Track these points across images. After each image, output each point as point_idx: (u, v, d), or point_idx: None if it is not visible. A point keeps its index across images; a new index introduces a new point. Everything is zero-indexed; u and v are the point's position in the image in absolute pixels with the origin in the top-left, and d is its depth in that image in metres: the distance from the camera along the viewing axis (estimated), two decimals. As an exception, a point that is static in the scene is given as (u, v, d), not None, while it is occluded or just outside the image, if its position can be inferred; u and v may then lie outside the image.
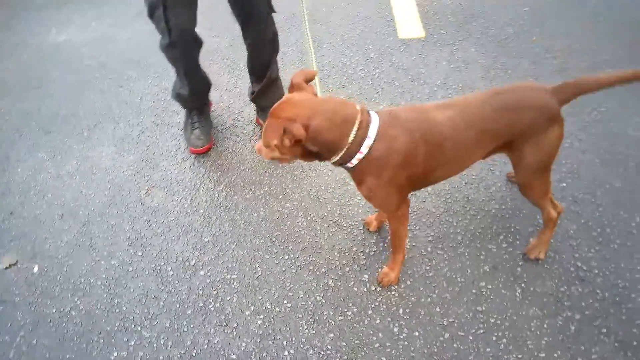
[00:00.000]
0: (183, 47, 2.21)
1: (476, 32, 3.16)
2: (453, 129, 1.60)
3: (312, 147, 1.51)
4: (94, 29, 3.54)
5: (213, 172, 2.43)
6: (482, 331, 1.80)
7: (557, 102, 1.64)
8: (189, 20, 2.15)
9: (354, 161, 1.55)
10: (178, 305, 1.93)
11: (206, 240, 2.15)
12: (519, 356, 1.73)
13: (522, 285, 1.92)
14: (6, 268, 2.10)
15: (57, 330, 1.89)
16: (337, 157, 1.54)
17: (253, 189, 2.33)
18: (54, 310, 1.95)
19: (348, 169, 1.61)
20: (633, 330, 1.76)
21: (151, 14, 2.15)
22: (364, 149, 1.52)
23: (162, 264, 2.07)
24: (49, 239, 2.20)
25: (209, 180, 2.39)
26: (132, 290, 1.99)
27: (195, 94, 2.47)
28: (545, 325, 1.80)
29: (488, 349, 1.76)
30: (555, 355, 1.73)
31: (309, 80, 1.59)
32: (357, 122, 1.49)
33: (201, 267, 2.05)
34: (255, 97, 2.51)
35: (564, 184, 2.24)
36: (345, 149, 1.51)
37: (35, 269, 2.09)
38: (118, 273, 2.05)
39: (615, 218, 2.09)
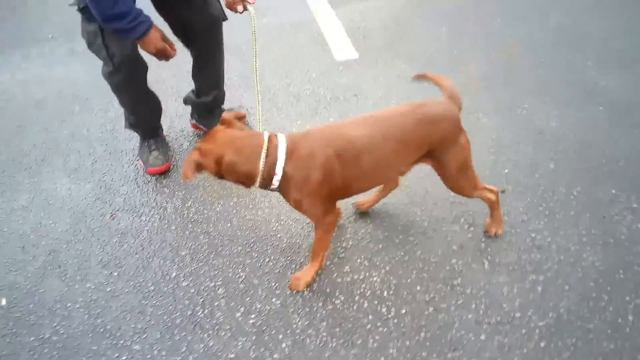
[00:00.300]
0: (127, 73, 2.18)
1: (403, 51, 3.46)
2: (370, 143, 1.74)
3: (229, 179, 1.69)
4: (24, 70, 3.45)
5: (178, 191, 2.43)
6: (461, 301, 1.94)
7: (458, 108, 1.88)
8: (130, 45, 2.11)
9: (275, 183, 1.70)
10: (166, 317, 1.90)
11: (183, 253, 2.14)
12: (498, 318, 1.88)
13: (488, 258, 2.09)
14: (-32, 306, 1.96)
15: (39, 357, 1.78)
16: (258, 183, 1.70)
17: (222, 202, 2.36)
18: (33, 339, 1.84)
19: (274, 190, 1.75)
20: (590, 284, 1.98)
21: (90, 44, 2.14)
22: (278, 170, 1.67)
23: (142, 280, 2.03)
24: (12, 271, 2.09)
25: (175, 198, 2.39)
26: (114, 309, 1.93)
27: (144, 119, 2.47)
28: (515, 290, 1.97)
29: (470, 316, 1.89)
30: (529, 313, 1.89)
31: (239, 118, 1.77)
32: (264, 150, 1.65)
33: (183, 279, 2.04)
34: (216, 101, 2.58)
35: (506, 170, 2.49)
36: (260, 175, 1.67)
37: (3, 302, 1.97)
38: (96, 295, 1.98)
39: (555, 194, 2.36)
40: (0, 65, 3.50)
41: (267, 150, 1.66)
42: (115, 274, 2.06)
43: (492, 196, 2.09)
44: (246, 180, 1.71)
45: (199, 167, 1.64)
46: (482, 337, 1.83)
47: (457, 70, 3.23)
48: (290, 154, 1.67)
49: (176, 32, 2.35)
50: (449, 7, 3.96)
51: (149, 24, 1.94)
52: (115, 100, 2.91)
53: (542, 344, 1.80)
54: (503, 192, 2.36)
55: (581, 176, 2.44)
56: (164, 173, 2.52)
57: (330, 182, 1.72)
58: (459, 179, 1.96)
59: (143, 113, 2.43)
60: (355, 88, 3.10)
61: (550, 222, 2.23)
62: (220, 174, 1.69)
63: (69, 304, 1.95)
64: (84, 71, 3.35)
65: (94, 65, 3.36)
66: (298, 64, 3.38)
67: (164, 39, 2.01)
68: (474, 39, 3.56)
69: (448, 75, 3.14)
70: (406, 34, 3.64)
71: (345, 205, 2.29)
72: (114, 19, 1.88)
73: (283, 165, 1.67)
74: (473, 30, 3.66)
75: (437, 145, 1.83)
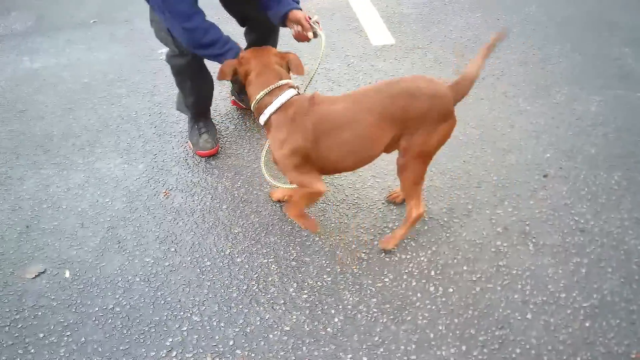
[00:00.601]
0: (191, 56, 2.28)
1: (440, 37, 3.48)
2: (347, 116, 1.79)
3: (246, 90, 1.93)
4: (68, 55, 3.54)
5: (227, 172, 2.51)
6: (507, 282, 2.00)
7: (453, 99, 1.80)
8: None
9: (262, 119, 1.88)
10: (223, 291, 1.99)
11: (236, 231, 2.23)
12: (544, 299, 1.94)
13: (533, 240, 2.14)
14: (35, 277, 2.07)
15: (104, 326, 1.89)
16: (252, 107, 1.91)
17: (270, 184, 2.44)
18: (97, 309, 1.95)
19: (261, 127, 1.95)
20: (633, 267, 2.03)
21: (157, 33, 2.29)
22: (267, 112, 1.85)
23: (198, 256, 2.13)
24: (74, 246, 2.19)
25: (225, 179, 2.48)
26: (173, 282, 2.03)
27: (201, 99, 2.57)
28: (560, 271, 2.02)
29: (516, 296, 1.95)
30: (574, 294, 1.95)
31: (296, 71, 1.95)
32: (266, 89, 1.84)
33: (237, 256, 2.12)
34: None
35: (548, 155, 2.52)
36: (253, 104, 1.88)
37: (67, 274, 2.07)
38: (155, 269, 2.08)
39: (597, 178, 2.39)
40: (47, 49, 3.60)
41: (271, 90, 1.84)
42: (172, 249, 2.16)
43: (414, 212, 2.00)
44: (249, 98, 1.92)
45: (235, 73, 1.90)
46: (529, 316, 1.89)
47: (494, 55, 3.25)
48: (284, 107, 1.83)
49: (239, 23, 2.51)
50: (485, -8, 3.96)
51: (237, 50, 2.05)
52: (161, 85, 3.03)
53: (587, 324, 1.85)
54: (545, 176, 2.42)
55: (621, 161, 2.47)
56: (212, 155, 2.61)
57: (305, 150, 1.82)
58: (411, 162, 1.88)
59: (200, 93, 2.53)
60: (393, 73, 3.14)
61: (592, 205, 2.27)
62: (243, 84, 1.94)
63: (129, 277, 2.06)
64: (127, 55, 3.44)
65: (135, 49, 3.50)
66: (335, 49, 3.42)
67: None
68: (509, 25, 3.56)
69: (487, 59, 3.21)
70: (441, 19, 3.66)
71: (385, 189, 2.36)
72: (206, 46, 2.04)
73: (272, 111, 1.84)
74: (508, 17, 3.67)
75: (413, 121, 1.78)
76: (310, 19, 2.11)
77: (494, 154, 2.54)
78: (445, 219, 2.24)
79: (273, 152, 1.92)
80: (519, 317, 1.89)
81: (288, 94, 1.85)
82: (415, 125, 1.79)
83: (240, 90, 2.76)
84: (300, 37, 2.17)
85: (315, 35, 2.13)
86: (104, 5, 4.05)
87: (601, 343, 1.79)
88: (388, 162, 2.39)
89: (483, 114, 2.79)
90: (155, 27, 2.26)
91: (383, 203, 2.32)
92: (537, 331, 1.84)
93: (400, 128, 1.81)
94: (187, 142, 2.68)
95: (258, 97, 1.86)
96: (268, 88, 1.85)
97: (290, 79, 1.92)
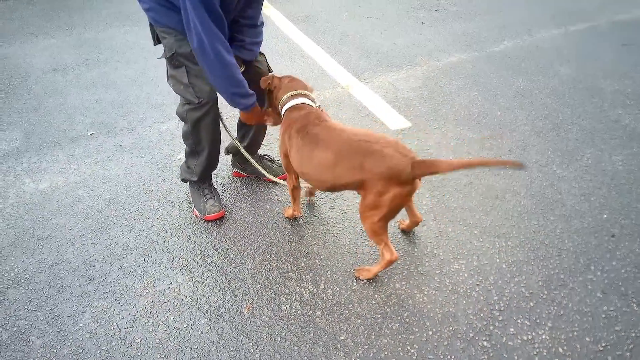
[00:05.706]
0: (209, 106, 2.39)
1: (450, 114, 3.64)
2: (324, 149, 2.08)
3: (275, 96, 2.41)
4: (75, 171, 3.29)
5: (305, 275, 2.37)
6: (632, 346, 1.99)
7: (412, 172, 1.92)
8: (209, 83, 2.31)
9: (282, 111, 2.36)
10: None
11: (342, 338, 2.07)
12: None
13: (633, 300, 2.19)
14: None
15: None
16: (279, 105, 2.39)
17: (354, 280, 2.32)
18: None
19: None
20: None
21: (176, 87, 2.39)
22: (283, 109, 2.34)
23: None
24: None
25: (305, 282, 2.33)
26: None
27: (212, 156, 2.65)
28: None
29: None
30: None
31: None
32: (286, 95, 2.33)
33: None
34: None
35: (605, 215, 2.65)
36: (278, 104, 2.38)
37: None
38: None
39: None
40: (48, 167, 3.32)
41: (287, 97, 2.32)
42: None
43: (387, 256, 2.19)
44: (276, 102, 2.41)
45: (269, 85, 2.41)
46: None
47: (508, 127, 3.43)
48: (287, 113, 2.30)
49: None
50: (466, 72, 4.24)
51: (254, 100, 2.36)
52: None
53: None
54: (613, 236, 2.53)
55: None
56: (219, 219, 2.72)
57: (288, 153, 2.28)
58: (365, 215, 2.12)
59: (213, 147, 2.60)
60: (424, 153, 3.21)
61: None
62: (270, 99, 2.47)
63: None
64: (143, 165, 3.27)
65: (150, 158, 3.35)
66: (355, 137, 3.45)
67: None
68: (509, 99, 3.80)
69: (503, 133, 3.37)
70: (444, 100, 3.84)
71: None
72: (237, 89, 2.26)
73: (285, 109, 2.32)
74: (501, 92, 3.92)
75: (366, 179, 1.99)
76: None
77: (558, 221, 2.60)
78: (546, 292, 2.23)
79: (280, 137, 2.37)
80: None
81: (294, 102, 2.29)
82: (369, 184, 1.99)
83: (242, 161, 2.97)
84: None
85: None
86: (98, 117, 3.86)
87: None
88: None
89: (527, 184, 2.89)
90: (173, 82, 2.39)
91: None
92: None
93: (359, 178, 2.01)
94: (193, 211, 2.81)
95: (284, 97, 2.33)
96: (285, 95, 2.33)
97: (311, 92, 2.39)
